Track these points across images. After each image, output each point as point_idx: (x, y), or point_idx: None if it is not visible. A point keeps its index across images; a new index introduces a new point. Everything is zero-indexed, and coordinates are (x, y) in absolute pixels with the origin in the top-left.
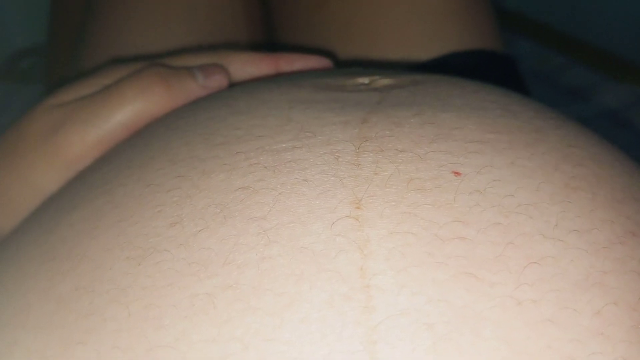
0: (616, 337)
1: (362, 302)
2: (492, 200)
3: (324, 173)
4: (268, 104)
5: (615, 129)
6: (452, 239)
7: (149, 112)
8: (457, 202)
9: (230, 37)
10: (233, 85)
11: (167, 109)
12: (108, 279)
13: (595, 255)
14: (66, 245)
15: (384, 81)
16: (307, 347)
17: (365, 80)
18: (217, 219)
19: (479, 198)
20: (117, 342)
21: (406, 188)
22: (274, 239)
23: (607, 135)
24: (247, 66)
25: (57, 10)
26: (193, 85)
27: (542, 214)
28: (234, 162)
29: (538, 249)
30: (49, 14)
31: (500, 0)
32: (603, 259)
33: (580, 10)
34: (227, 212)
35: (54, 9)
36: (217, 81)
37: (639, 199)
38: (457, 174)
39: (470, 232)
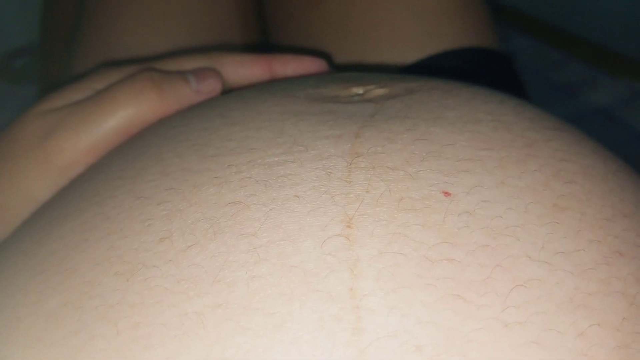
0: (599, 358)
1: (352, 323)
2: (481, 222)
3: (316, 189)
4: (262, 116)
5: (611, 125)
6: (440, 261)
7: (141, 117)
8: (447, 223)
9: (224, 37)
10: (227, 92)
11: (161, 115)
12: (97, 294)
13: (580, 277)
14: (56, 258)
15: (379, 91)
16: None
17: (359, 90)
18: (207, 235)
19: (468, 219)
20: None
21: (397, 207)
22: (264, 257)
23: (603, 132)
24: (240, 68)
25: (50, 8)
26: (186, 90)
27: (530, 235)
28: (225, 176)
29: (524, 271)
30: (42, 12)
31: None
32: (588, 281)
33: (576, 6)
34: (217, 227)
35: (47, 7)
36: (210, 85)
37: (629, 215)
38: (447, 194)
39: (459, 254)
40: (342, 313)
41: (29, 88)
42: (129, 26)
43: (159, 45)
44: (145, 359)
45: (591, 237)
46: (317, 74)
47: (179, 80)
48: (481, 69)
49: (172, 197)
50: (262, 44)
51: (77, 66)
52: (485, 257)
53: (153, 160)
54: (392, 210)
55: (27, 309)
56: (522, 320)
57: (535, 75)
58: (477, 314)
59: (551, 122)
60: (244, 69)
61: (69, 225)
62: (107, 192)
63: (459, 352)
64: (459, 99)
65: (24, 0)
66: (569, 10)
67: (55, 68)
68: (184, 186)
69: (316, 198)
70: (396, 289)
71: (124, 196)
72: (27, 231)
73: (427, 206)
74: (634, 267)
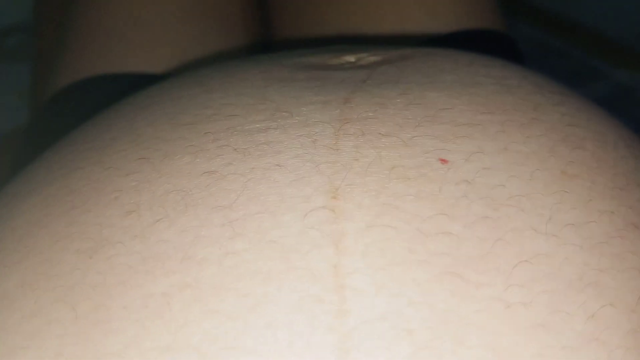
0: (612, 342)
1: (335, 305)
2: (481, 191)
3: (299, 157)
4: (243, 83)
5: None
6: (436, 234)
7: None
8: (443, 193)
9: (225, 25)
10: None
11: None
12: (55, 274)
13: (591, 252)
14: (15, 236)
15: (371, 59)
16: (273, 357)
17: (351, 58)
18: (177, 208)
19: (466, 189)
20: (61, 349)
21: (388, 177)
22: (239, 231)
23: None
24: None
25: None
26: None
27: (535, 206)
28: (200, 144)
29: (529, 245)
30: None
31: None
32: (599, 256)
33: None
34: (189, 199)
35: None
36: None
37: None
38: (443, 161)
39: (456, 227)
40: (324, 293)
41: (22, 67)
42: (124, 13)
43: (157, 37)
44: (104, 346)
45: (603, 207)
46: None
47: None
48: (485, 50)
49: (143, 168)
50: (263, 33)
51: (71, 47)
52: (486, 230)
53: (125, 130)
54: (382, 179)
55: None
56: (526, 301)
57: (535, 63)
58: (476, 293)
59: (558, 88)
60: None
61: (32, 200)
62: (74, 164)
63: (455, 337)
64: (457, 63)
65: None
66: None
67: (47, 47)
68: (156, 155)
69: (299, 167)
70: (385, 266)
71: (92, 167)
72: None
73: (421, 175)
74: None
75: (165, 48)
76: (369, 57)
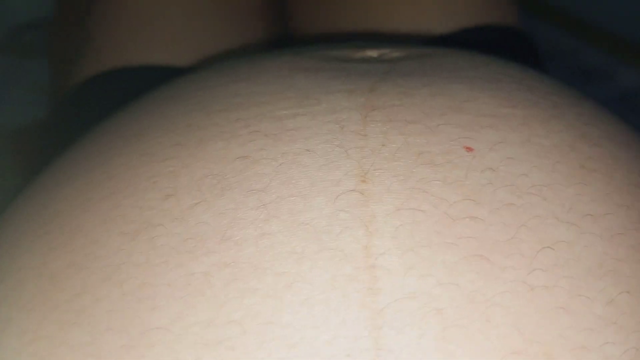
0: (629, 327)
1: (367, 284)
2: (505, 179)
3: (328, 142)
4: (270, 72)
5: (627, 115)
6: (463, 219)
7: None
8: (469, 179)
9: (245, 12)
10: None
11: None
12: (102, 255)
13: (609, 242)
14: (60, 219)
15: (393, 54)
16: (309, 331)
17: (374, 53)
18: (214, 191)
19: (491, 176)
20: (110, 324)
21: (415, 162)
22: (273, 214)
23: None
24: None
25: None
26: None
27: (557, 196)
28: (233, 130)
29: (552, 232)
30: None
31: None
32: (617, 246)
33: None
34: (225, 183)
35: None
36: None
37: None
38: (469, 149)
39: (482, 212)
40: (356, 272)
41: (37, 63)
42: (148, 11)
43: (180, 35)
44: (150, 320)
45: (620, 201)
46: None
47: None
48: (501, 46)
49: (178, 153)
50: (282, 27)
51: (93, 45)
52: (510, 216)
53: (158, 119)
54: (410, 164)
55: (32, 272)
56: (549, 285)
57: (550, 61)
58: (501, 275)
59: (573, 92)
60: None
61: (74, 185)
62: (112, 151)
63: (482, 316)
64: (476, 62)
65: None
66: None
67: (69, 40)
68: (191, 141)
69: (329, 152)
70: (414, 248)
71: (129, 154)
72: (31, 195)
73: (448, 161)
74: None
75: (187, 41)
76: (391, 53)
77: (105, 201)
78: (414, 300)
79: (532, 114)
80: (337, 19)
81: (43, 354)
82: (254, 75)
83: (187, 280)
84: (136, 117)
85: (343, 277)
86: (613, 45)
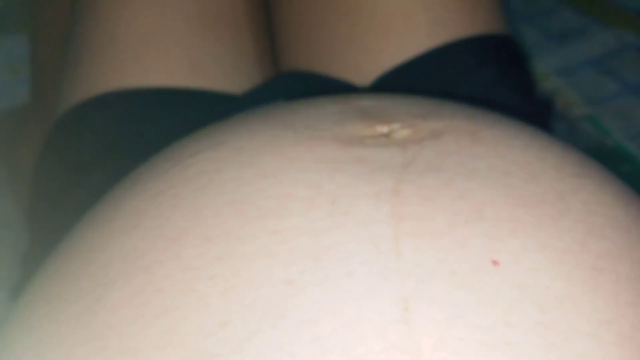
0: None
1: None
2: (533, 295)
3: (366, 265)
4: (295, 165)
5: (602, 77)
6: (497, 345)
7: None
8: (500, 298)
9: (235, 30)
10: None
11: None
12: None
13: (622, 347)
14: (114, 334)
15: (404, 132)
16: None
17: (384, 129)
18: (267, 320)
19: (519, 294)
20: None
21: (450, 284)
22: (329, 349)
23: (595, 84)
24: None
25: None
26: None
27: (576, 306)
28: (271, 244)
29: (575, 347)
30: None
31: None
32: (629, 350)
33: None
34: (275, 311)
35: None
36: None
37: None
38: (495, 263)
39: (515, 335)
40: None
41: (15, 38)
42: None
43: (166, 39)
44: None
45: (627, 300)
46: (331, 96)
47: None
48: (489, 56)
49: (223, 271)
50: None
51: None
52: (540, 336)
53: (192, 218)
54: (446, 287)
55: None
56: None
57: (526, 21)
58: None
59: (572, 168)
60: None
61: (119, 295)
62: (151, 254)
63: None
64: (485, 146)
65: None
66: None
67: (52, 60)
68: (233, 257)
69: (369, 275)
70: None
71: (172, 264)
72: (73, 286)
73: (479, 280)
74: None
75: (179, 61)
76: (401, 131)
77: (159, 322)
78: None
79: (543, 212)
80: (324, 32)
81: None
82: (278, 170)
83: None
84: (166, 210)
85: None
86: (589, 5)
